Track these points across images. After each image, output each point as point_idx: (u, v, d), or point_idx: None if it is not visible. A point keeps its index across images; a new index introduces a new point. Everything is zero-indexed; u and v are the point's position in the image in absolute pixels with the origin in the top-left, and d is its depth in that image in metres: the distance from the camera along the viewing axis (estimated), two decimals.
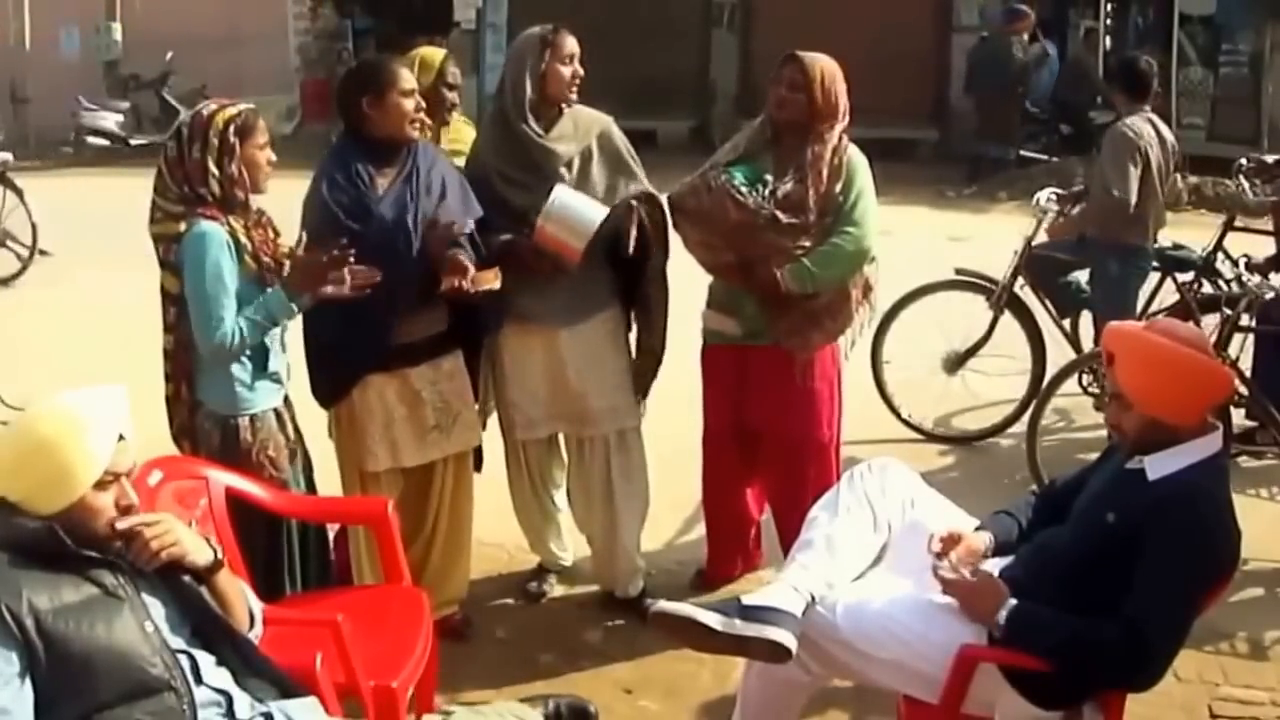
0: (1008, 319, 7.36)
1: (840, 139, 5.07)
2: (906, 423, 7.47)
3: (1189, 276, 7.19)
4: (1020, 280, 7.31)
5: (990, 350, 7.49)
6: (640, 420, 5.31)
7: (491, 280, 4.71)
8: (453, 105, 5.50)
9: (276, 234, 4.44)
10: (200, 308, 4.17)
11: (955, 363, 7.55)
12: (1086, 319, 7.56)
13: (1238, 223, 8.15)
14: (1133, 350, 3.61)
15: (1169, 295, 7.44)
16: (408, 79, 4.69)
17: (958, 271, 7.54)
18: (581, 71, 4.99)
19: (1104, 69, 16.32)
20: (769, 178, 5.00)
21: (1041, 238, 7.36)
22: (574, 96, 5.01)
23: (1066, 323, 7.56)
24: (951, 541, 3.85)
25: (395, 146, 4.71)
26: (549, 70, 4.96)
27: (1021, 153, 16.19)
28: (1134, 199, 6.83)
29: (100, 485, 3.04)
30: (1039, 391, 7.27)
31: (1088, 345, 7.32)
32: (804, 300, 5.02)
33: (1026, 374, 7.38)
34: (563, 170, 4.93)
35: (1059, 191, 7.73)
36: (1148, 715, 4.36)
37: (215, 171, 4.20)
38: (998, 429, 7.43)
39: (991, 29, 17.07)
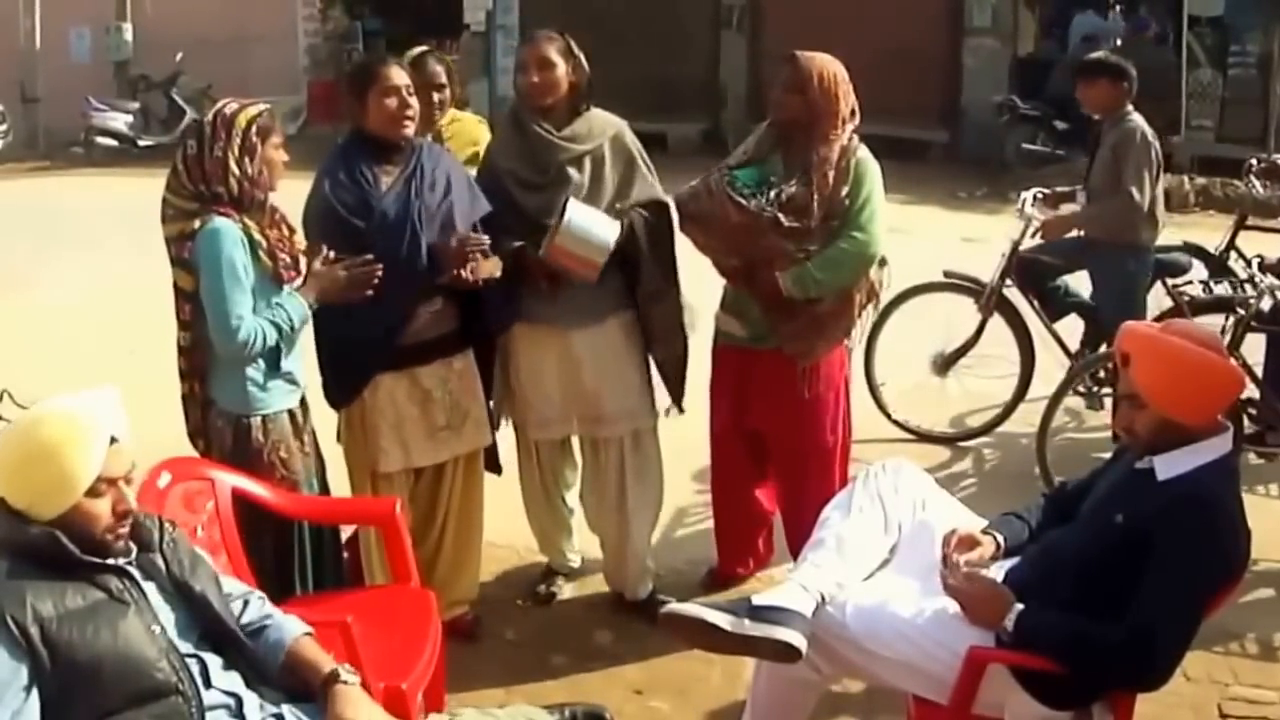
0: (997, 320, 7.35)
1: (850, 140, 5.04)
2: (897, 423, 7.47)
3: (1181, 280, 7.15)
4: (1008, 282, 7.28)
5: (981, 351, 7.49)
6: (655, 421, 5.30)
7: (493, 269, 4.72)
8: (441, 104, 5.36)
9: (292, 231, 4.46)
10: (217, 307, 4.18)
11: (945, 364, 7.54)
12: (1068, 321, 7.48)
13: (1249, 221, 8.16)
14: (1150, 351, 3.60)
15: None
16: (391, 77, 4.67)
17: (945, 274, 7.51)
18: (538, 79, 4.89)
19: None
20: (775, 180, 4.99)
21: (1032, 241, 7.30)
22: (544, 103, 4.92)
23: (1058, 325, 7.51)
24: (964, 544, 3.84)
25: (396, 145, 4.72)
26: (518, 79, 4.99)
27: (1024, 146, 16.15)
28: (1148, 202, 6.81)
29: (93, 491, 3.02)
30: (1026, 392, 7.32)
31: (1072, 347, 7.31)
32: (807, 305, 4.99)
33: (1014, 375, 7.39)
34: (572, 170, 4.92)
35: (1044, 191, 7.67)
36: (1157, 715, 4.35)
37: (236, 170, 4.21)
38: (985, 429, 7.45)
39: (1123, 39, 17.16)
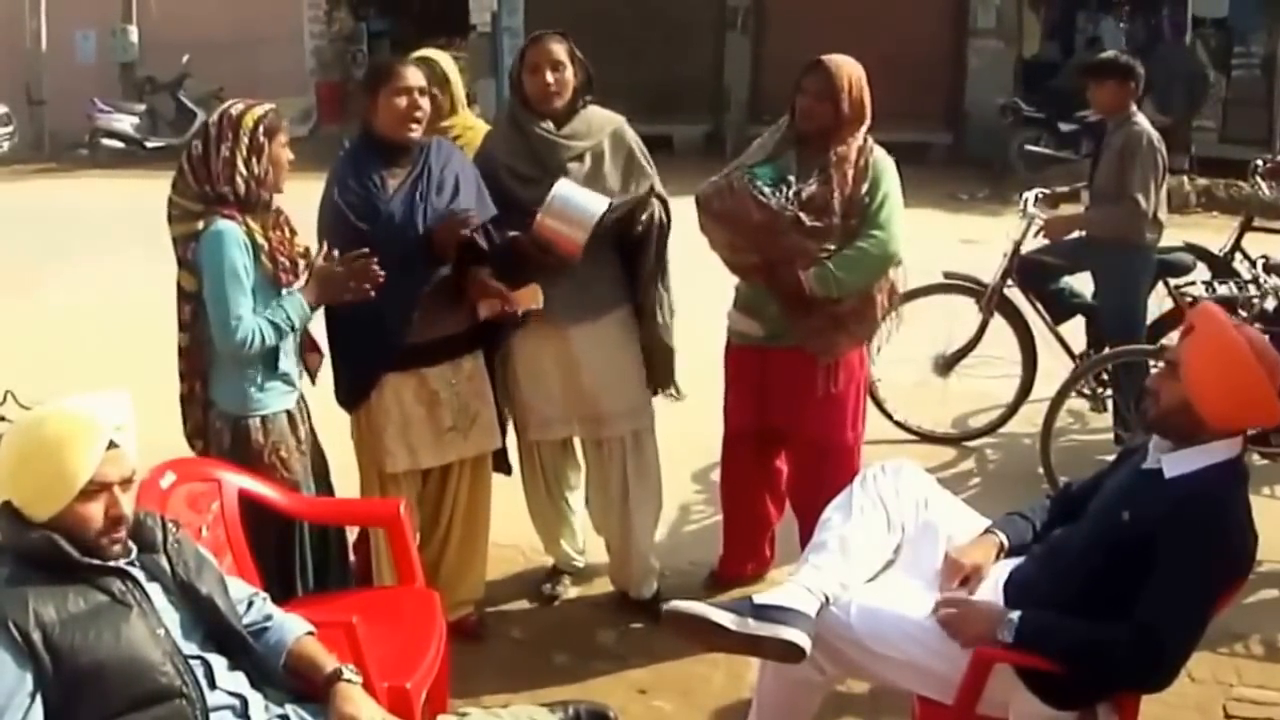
0: (999, 321, 7.36)
1: (865, 140, 5.04)
2: (898, 424, 7.47)
3: (1183, 280, 7.14)
4: (1009, 283, 7.28)
5: (983, 351, 7.50)
6: (653, 420, 5.30)
7: (532, 300, 4.73)
8: (438, 109, 5.23)
9: (293, 233, 4.45)
10: (218, 307, 4.18)
11: (946, 365, 7.55)
12: (1071, 323, 7.47)
13: (1255, 223, 8.14)
14: (1213, 334, 3.55)
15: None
16: (404, 77, 4.67)
17: (946, 275, 7.50)
18: (552, 80, 4.87)
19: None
20: (792, 179, 4.98)
21: (1033, 242, 7.28)
22: (556, 105, 4.93)
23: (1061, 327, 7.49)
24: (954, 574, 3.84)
25: (405, 146, 4.72)
26: (523, 79, 4.97)
27: (1027, 148, 16.15)
28: (1153, 207, 6.78)
29: (86, 494, 3.00)
30: (1028, 392, 7.33)
31: (1076, 348, 7.30)
32: (828, 304, 4.98)
33: (1016, 375, 7.41)
34: (573, 166, 4.92)
35: (1045, 191, 7.66)
36: (1162, 716, 4.35)
37: (243, 170, 4.22)
38: (988, 429, 7.47)
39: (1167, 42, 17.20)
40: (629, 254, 5.07)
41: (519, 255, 4.81)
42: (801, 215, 4.88)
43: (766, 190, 4.92)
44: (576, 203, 4.72)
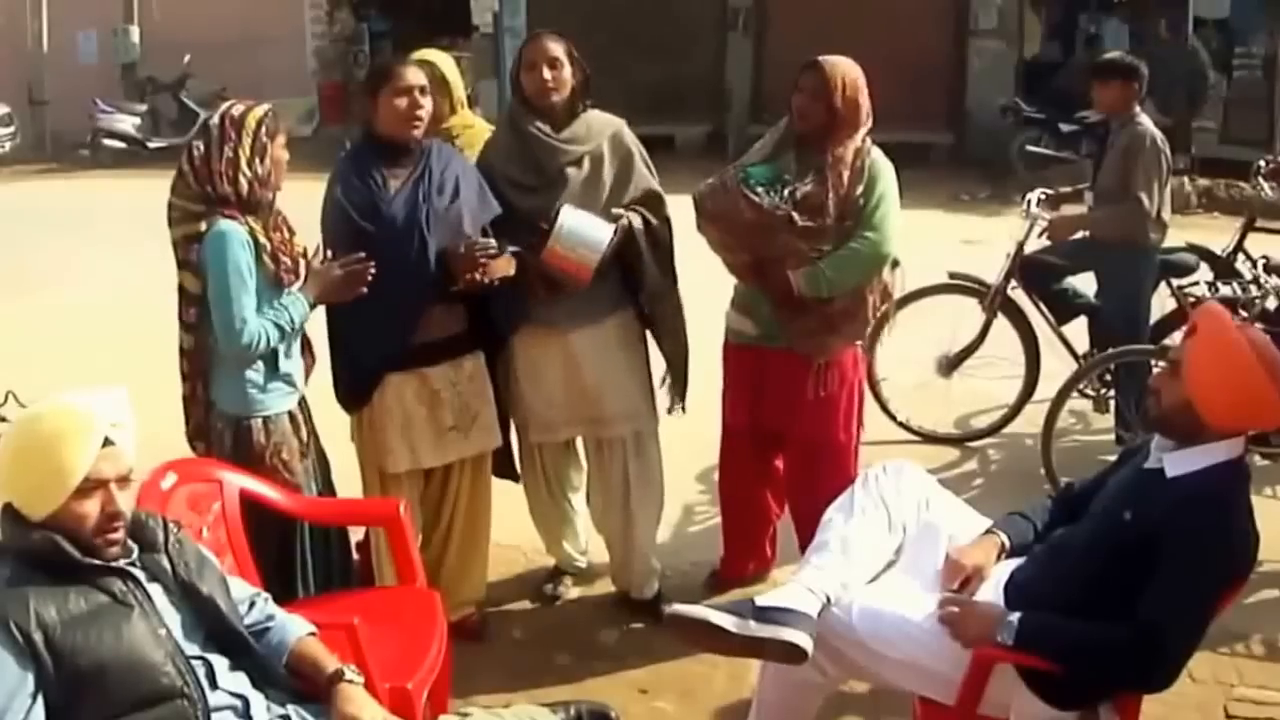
0: (1003, 322, 7.35)
1: (863, 142, 5.03)
2: (901, 424, 7.47)
3: (1187, 280, 7.13)
4: (1013, 283, 7.27)
5: (987, 352, 7.50)
6: (656, 422, 5.30)
7: (505, 268, 4.72)
8: (436, 111, 5.09)
9: (292, 233, 4.46)
10: (223, 308, 4.18)
11: (949, 365, 7.54)
12: (1074, 323, 7.46)
13: (1258, 224, 8.13)
14: (1215, 334, 3.54)
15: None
16: (405, 77, 4.67)
17: (950, 275, 7.50)
18: (549, 77, 4.85)
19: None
20: (788, 178, 4.98)
21: (1036, 242, 7.27)
22: (553, 100, 4.90)
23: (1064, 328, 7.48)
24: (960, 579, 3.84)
25: (406, 147, 4.72)
26: (521, 77, 4.96)
27: (1028, 148, 16.12)
28: (1157, 207, 6.77)
29: (82, 492, 2.99)
30: (1032, 393, 7.31)
31: (1078, 349, 7.29)
32: (819, 304, 4.98)
33: (1019, 376, 7.41)
34: (571, 170, 4.91)
35: (1048, 191, 7.66)
36: (1163, 716, 4.36)
37: (247, 171, 4.22)
38: (991, 430, 7.47)
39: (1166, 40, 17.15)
40: (629, 262, 5.07)
41: (522, 270, 4.81)
42: (795, 215, 4.88)
43: (759, 190, 4.92)
44: (584, 233, 4.75)
